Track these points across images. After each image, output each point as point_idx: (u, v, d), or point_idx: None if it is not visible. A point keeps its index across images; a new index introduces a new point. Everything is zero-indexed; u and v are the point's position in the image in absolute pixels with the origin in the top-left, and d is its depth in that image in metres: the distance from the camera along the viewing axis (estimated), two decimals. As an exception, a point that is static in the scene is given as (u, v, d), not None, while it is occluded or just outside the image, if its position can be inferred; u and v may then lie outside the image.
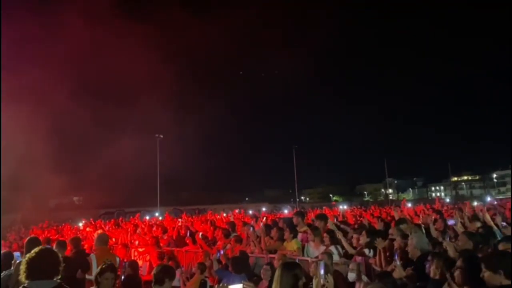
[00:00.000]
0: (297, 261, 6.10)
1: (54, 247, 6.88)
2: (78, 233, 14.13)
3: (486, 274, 3.30)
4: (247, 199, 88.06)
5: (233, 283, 6.01)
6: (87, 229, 15.01)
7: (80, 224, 19.51)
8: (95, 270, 6.26)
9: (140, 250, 9.89)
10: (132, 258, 9.74)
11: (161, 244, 9.71)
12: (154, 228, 12.14)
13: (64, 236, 12.96)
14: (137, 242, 10.27)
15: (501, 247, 4.35)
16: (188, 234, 9.64)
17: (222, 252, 7.40)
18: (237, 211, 22.38)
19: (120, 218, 18.93)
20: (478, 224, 6.87)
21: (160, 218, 22.18)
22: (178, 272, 6.86)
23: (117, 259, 6.74)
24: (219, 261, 7.40)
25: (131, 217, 22.07)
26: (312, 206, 45.56)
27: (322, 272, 3.57)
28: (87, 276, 6.35)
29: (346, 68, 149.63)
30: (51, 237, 11.19)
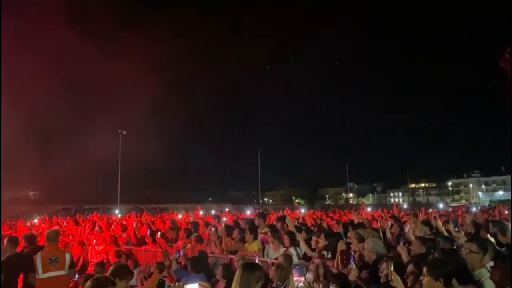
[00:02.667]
0: (257, 262, 6.14)
1: (4, 244, 6.64)
2: (33, 229, 13.61)
3: (426, 279, 3.43)
4: (210, 199, 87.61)
5: (191, 283, 6.00)
6: (43, 225, 14.50)
7: (35, 220, 18.82)
8: (40, 269, 6.10)
9: (98, 248, 9.66)
10: (89, 256, 9.51)
11: (120, 243, 9.52)
12: (113, 226, 11.89)
13: (18, 232, 12.46)
14: (94, 241, 10.02)
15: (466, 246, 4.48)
16: (148, 233, 9.50)
17: (181, 253, 7.34)
18: (201, 212, 22.25)
19: (78, 215, 18.41)
20: (428, 230, 7.13)
21: (120, 216, 21.73)
22: (135, 272, 6.75)
23: (67, 255, 6.50)
24: (179, 261, 7.34)
25: (90, 214, 21.50)
26: (275, 208, 45.87)
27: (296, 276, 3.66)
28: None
29: (312, 73, 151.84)
30: (2, 233, 10.73)
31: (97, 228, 11.37)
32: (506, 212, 14.18)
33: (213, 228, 8.53)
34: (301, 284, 3.77)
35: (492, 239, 6.32)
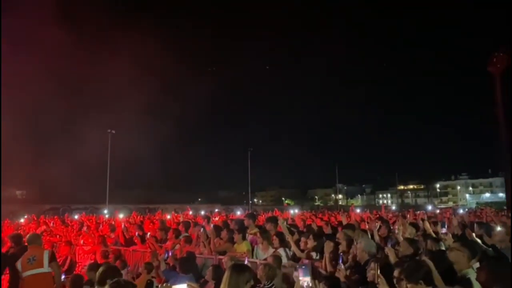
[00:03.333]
0: (246, 263, 6.15)
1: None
2: (19, 229, 13.44)
3: (409, 286, 3.46)
4: (200, 199, 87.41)
5: (180, 283, 5.99)
6: (30, 224, 14.33)
7: (22, 220, 18.59)
8: (20, 269, 6.12)
9: (86, 248, 9.59)
10: (77, 256, 9.43)
11: (108, 243, 9.46)
12: (101, 226, 11.81)
13: (4, 231, 12.30)
14: (82, 241, 9.94)
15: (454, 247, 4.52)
16: (136, 233, 9.45)
17: (170, 253, 7.31)
18: (190, 212, 22.17)
19: (66, 215, 18.22)
20: (414, 231, 7.20)
21: (107, 216, 21.57)
22: (123, 272, 6.71)
23: (45, 253, 6.53)
24: (167, 262, 7.31)
25: (78, 214, 21.30)
26: (265, 208, 45.91)
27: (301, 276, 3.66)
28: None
29: (302, 75, 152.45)
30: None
31: (85, 228, 11.28)
32: (492, 214, 14.38)
33: (201, 229, 8.51)
34: (306, 284, 3.79)
35: (479, 241, 6.42)
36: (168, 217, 17.19)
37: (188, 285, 3.51)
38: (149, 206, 44.99)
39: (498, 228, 7.03)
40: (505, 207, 53.74)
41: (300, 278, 3.93)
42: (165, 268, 7.10)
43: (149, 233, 9.30)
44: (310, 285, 3.77)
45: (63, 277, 6.57)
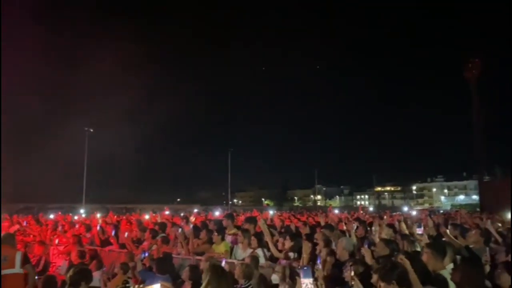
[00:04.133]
0: (223, 263, 6.12)
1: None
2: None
3: (382, 285, 3.51)
4: (178, 200, 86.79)
5: (155, 284, 5.90)
6: (2, 224, 13.94)
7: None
8: None
9: (60, 248, 9.38)
10: (51, 256, 9.23)
11: (84, 243, 9.28)
12: (77, 226, 11.58)
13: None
14: (57, 241, 9.72)
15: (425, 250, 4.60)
16: (113, 233, 9.30)
17: (147, 254, 7.21)
18: (167, 212, 21.97)
19: (40, 214, 17.81)
20: (391, 232, 7.30)
21: (84, 215, 21.18)
22: (98, 273, 6.60)
23: (18, 254, 6.40)
24: (144, 263, 7.21)
25: (53, 213, 20.85)
26: (244, 209, 45.87)
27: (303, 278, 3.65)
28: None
29: (282, 77, 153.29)
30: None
31: (59, 227, 11.04)
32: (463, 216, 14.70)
33: (180, 229, 8.44)
34: (305, 286, 3.78)
35: (454, 239, 6.55)
36: (146, 217, 16.99)
37: (162, 285, 3.46)
38: (126, 206, 44.38)
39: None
40: (478, 209, 55.20)
41: (302, 280, 3.93)
42: (141, 268, 7.00)
43: (126, 233, 9.15)
44: (312, 287, 3.76)
45: (36, 277, 6.43)
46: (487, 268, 4.60)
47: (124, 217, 17.60)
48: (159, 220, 12.72)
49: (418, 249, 5.98)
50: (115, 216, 16.14)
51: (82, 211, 30.97)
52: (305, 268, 4.00)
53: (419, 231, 7.15)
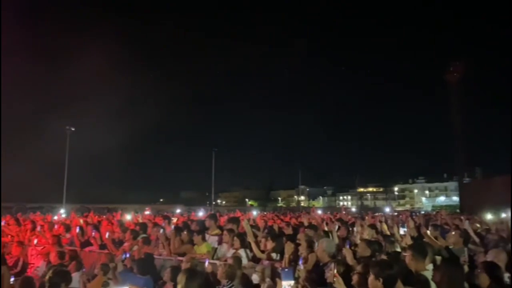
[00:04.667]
0: (206, 264, 6.08)
1: None
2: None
3: (370, 278, 3.55)
4: (161, 200, 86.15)
5: (137, 285, 5.83)
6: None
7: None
8: None
9: (39, 249, 9.19)
10: (30, 257, 9.03)
11: (63, 243, 9.11)
12: (56, 226, 11.35)
13: None
14: (35, 241, 9.52)
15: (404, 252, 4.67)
16: (93, 233, 9.15)
17: (128, 254, 7.11)
18: (147, 212, 21.76)
19: (19, 214, 17.43)
20: (373, 233, 7.36)
21: (64, 215, 20.82)
22: (78, 274, 6.48)
23: None
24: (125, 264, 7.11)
25: (31, 213, 20.44)
26: (228, 209, 45.77)
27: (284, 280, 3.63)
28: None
29: (265, 77, 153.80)
30: None
31: (38, 228, 10.83)
32: (444, 217, 14.93)
33: (161, 230, 8.36)
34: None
35: (435, 240, 6.63)
36: (128, 217, 16.77)
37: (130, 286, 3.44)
38: (108, 206, 43.76)
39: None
40: (458, 210, 56.22)
41: (283, 282, 3.91)
42: (122, 269, 6.91)
43: (107, 234, 9.02)
44: None
45: (12, 279, 6.26)
46: (466, 269, 4.66)
47: (105, 217, 17.33)
48: (140, 220, 12.57)
49: (399, 249, 6.04)
50: (96, 216, 15.86)
51: (62, 211, 30.43)
52: (286, 270, 4.00)
53: (402, 231, 7.24)
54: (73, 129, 40.26)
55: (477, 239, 7.31)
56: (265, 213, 31.69)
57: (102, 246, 8.72)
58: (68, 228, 10.61)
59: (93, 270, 7.45)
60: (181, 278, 3.51)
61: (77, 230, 9.78)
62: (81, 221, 13.05)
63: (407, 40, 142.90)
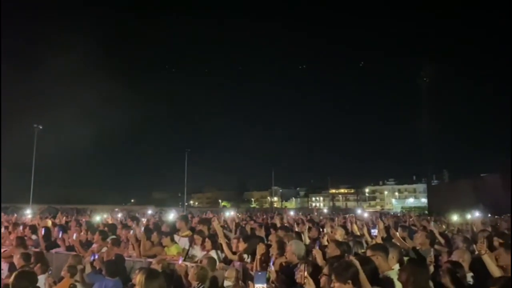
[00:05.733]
0: (176, 266, 6.02)
1: None
2: None
3: (336, 285, 3.54)
4: (132, 200, 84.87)
5: (106, 287, 5.73)
6: None
7: None
8: None
9: (3, 251, 8.88)
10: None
11: (29, 245, 8.84)
12: (21, 228, 11.00)
13: None
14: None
15: (368, 253, 4.75)
16: (60, 235, 8.92)
17: (96, 256, 6.97)
18: (119, 214, 21.41)
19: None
20: (344, 234, 7.47)
21: (30, 216, 20.22)
22: (43, 277, 6.31)
23: None
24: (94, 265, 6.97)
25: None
26: (201, 210, 45.46)
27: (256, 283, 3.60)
28: None
29: (238, 77, 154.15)
30: None
31: (2, 228, 10.47)
32: (412, 218, 15.33)
33: (131, 231, 8.23)
34: None
35: (402, 241, 6.78)
36: (98, 218, 16.45)
37: None
38: (77, 206, 42.74)
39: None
40: (426, 212, 57.75)
41: (256, 285, 3.90)
42: (90, 271, 6.76)
43: (74, 235, 8.81)
44: None
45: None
46: (431, 269, 4.78)
47: (73, 218, 16.93)
48: (110, 221, 12.35)
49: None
50: (64, 217, 15.45)
51: (28, 211, 29.52)
52: (259, 273, 4.00)
53: (374, 232, 7.37)
54: (41, 127, 39.16)
55: (442, 240, 7.52)
56: (238, 214, 31.63)
57: (70, 248, 8.52)
58: (34, 230, 10.29)
59: (60, 272, 7.27)
60: (140, 278, 3.46)
61: (43, 231, 9.51)
62: (48, 222, 12.68)
63: (378, 44, 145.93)
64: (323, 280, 3.88)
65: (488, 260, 4.43)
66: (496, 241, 5.92)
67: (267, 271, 4.89)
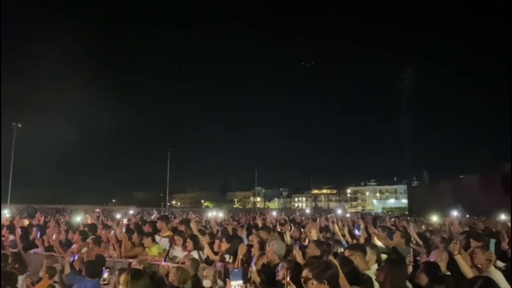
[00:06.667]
0: (156, 267, 5.99)
1: None
2: None
3: (314, 283, 3.58)
4: (114, 200, 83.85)
5: (85, 288, 5.66)
6: None
7: None
8: None
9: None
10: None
11: (6, 246, 8.68)
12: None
13: None
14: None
15: (346, 253, 4.82)
16: (38, 235, 8.77)
17: (76, 256, 6.89)
18: (101, 214, 21.15)
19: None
20: (319, 232, 7.56)
21: (8, 216, 19.78)
22: (21, 277, 6.21)
23: None
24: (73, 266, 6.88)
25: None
26: (183, 211, 45.17)
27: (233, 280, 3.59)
28: None
29: (221, 78, 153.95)
30: None
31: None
32: (392, 219, 15.59)
33: (112, 231, 8.15)
34: None
35: (379, 243, 6.89)
36: (78, 218, 16.20)
37: None
38: (57, 206, 42.00)
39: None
40: (406, 212, 58.63)
41: (232, 282, 3.90)
42: (69, 272, 6.67)
43: (54, 235, 8.67)
44: None
45: None
46: (410, 269, 4.87)
47: (52, 218, 16.66)
48: (90, 221, 12.20)
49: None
50: (43, 217, 15.16)
51: (6, 211, 28.90)
52: (235, 270, 4.01)
53: (357, 233, 7.46)
54: (20, 125, 38.41)
55: (419, 241, 7.67)
56: (221, 214, 31.54)
57: (49, 248, 8.39)
58: (11, 230, 10.10)
59: (38, 273, 7.15)
60: (124, 279, 3.44)
61: (19, 231, 9.33)
62: (26, 222, 12.47)
63: (361, 47, 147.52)
64: (280, 273, 3.91)
65: (461, 260, 4.54)
66: (472, 242, 6.06)
67: (243, 268, 4.92)
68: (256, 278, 4.88)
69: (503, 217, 20.08)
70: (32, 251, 8.47)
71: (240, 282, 3.87)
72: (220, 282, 5.20)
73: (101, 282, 5.07)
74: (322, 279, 3.51)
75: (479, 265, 4.91)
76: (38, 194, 54.21)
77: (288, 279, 3.93)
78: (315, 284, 3.51)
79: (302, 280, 3.92)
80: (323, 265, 3.69)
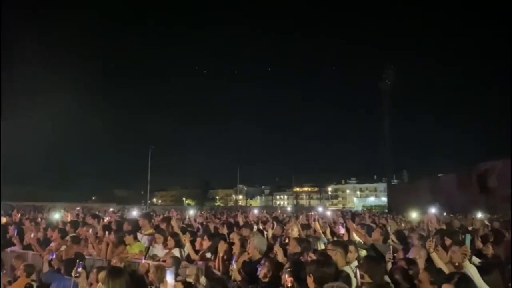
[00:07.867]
0: (137, 265, 5.96)
1: None
2: None
3: (295, 285, 3.66)
4: (93, 198, 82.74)
5: (64, 287, 5.59)
6: None
7: None
8: None
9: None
10: None
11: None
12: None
13: None
14: None
15: (328, 247, 4.88)
16: (15, 233, 8.62)
17: (55, 255, 6.80)
18: (78, 209, 20.90)
19: None
20: (307, 231, 7.63)
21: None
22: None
23: None
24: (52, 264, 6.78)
25: None
26: (164, 208, 44.84)
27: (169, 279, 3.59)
28: None
29: (203, 75, 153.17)
30: None
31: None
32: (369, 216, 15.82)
33: (91, 229, 8.07)
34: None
35: (357, 239, 7.01)
36: (57, 216, 15.94)
37: None
38: (35, 203, 41.17)
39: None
40: (386, 210, 59.48)
41: (168, 282, 3.91)
42: (48, 270, 6.58)
43: (32, 233, 8.53)
44: None
45: None
46: (390, 265, 4.97)
47: (30, 216, 16.36)
48: (70, 219, 12.01)
49: (323, 247, 6.30)
50: (19, 215, 14.87)
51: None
52: (169, 270, 4.03)
53: (341, 230, 7.55)
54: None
55: (395, 239, 7.81)
56: (202, 212, 31.46)
57: (27, 247, 8.25)
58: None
59: (15, 271, 7.04)
60: (104, 277, 3.43)
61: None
62: (3, 219, 12.23)
63: (342, 47, 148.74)
64: (283, 277, 3.96)
65: (436, 257, 4.67)
66: (447, 240, 6.19)
67: (230, 268, 4.95)
68: (236, 276, 4.91)
69: (479, 215, 20.57)
70: (9, 249, 8.33)
71: (173, 282, 3.88)
72: (202, 280, 5.20)
73: (72, 274, 5.02)
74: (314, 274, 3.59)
75: (456, 263, 5.03)
76: (16, 192, 52.99)
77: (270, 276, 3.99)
78: (296, 285, 3.59)
79: (282, 277, 3.98)
80: (299, 265, 3.76)
